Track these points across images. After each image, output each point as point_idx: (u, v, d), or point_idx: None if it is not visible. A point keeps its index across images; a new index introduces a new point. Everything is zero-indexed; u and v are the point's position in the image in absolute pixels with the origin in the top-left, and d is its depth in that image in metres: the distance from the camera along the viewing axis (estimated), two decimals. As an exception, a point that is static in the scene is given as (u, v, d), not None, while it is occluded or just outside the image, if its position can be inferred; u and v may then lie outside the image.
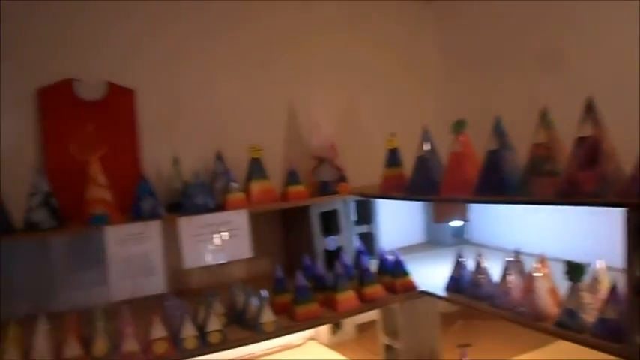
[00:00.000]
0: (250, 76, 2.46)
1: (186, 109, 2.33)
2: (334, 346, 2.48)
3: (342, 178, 2.32)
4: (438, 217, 2.74)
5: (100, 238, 1.83)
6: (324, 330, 2.51)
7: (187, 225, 1.95)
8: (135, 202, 1.94)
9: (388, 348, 2.20)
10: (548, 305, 1.61)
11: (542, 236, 2.23)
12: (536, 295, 1.62)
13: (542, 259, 1.69)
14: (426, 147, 2.02)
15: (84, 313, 1.77)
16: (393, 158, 2.20)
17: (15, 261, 2.01)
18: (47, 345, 1.55)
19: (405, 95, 2.82)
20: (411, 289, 2.09)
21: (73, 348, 1.55)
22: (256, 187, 2.14)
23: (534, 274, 1.64)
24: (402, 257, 2.12)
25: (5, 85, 2.03)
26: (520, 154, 1.70)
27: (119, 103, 2.20)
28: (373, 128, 2.64)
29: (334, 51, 2.66)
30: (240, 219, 2.02)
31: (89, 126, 2.13)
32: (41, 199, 1.83)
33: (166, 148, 2.23)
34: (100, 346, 1.61)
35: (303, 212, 2.29)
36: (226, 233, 1.99)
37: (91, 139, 2.12)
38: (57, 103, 2.10)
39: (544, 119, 1.58)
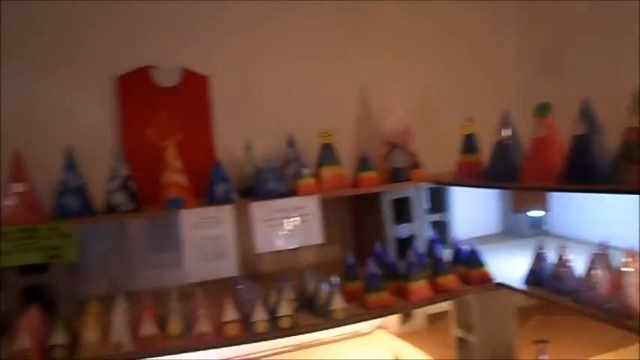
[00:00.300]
0: (322, 61, 2.43)
1: (258, 94, 2.33)
2: (404, 336, 2.44)
3: (416, 165, 2.25)
4: (517, 206, 2.62)
5: (175, 221, 1.87)
6: (393, 319, 2.47)
7: (259, 210, 1.96)
8: (208, 186, 1.96)
9: (461, 341, 2.14)
10: (638, 303, 1.50)
11: (631, 229, 2.08)
12: (625, 292, 1.51)
13: (632, 254, 1.57)
14: (506, 132, 1.92)
15: (159, 294, 1.82)
16: (470, 144, 2.11)
17: (95, 242, 2.10)
18: (124, 323, 1.60)
19: (482, 77, 2.70)
20: (486, 280, 2.01)
21: (148, 327, 1.59)
22: (328, 172, 2.12)
23: (623, 269, 1.53)
24: (478, 247, 2.04)
25: (87, 72, 2.12)
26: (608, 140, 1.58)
27: (194, 89, 2.23)
28: (448, 112, 2.55)
29: (407, 33, 2.58)
30: (311, 204, 2.00)
31: (165, 112, 2.18)
32: (120, 182, 1.89)
33: (239, 134, 2.24)
34: (175, 326, 1.65)
35: (374, 199, 2.25)
36: (298, 219, 1.98)
37: (167, 125, 2.17)
38: (135, 89, 2.16)
39: (638, 102, 1.45)
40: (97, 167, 1.98)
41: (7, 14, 2.01)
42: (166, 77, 2.19)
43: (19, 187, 1.83)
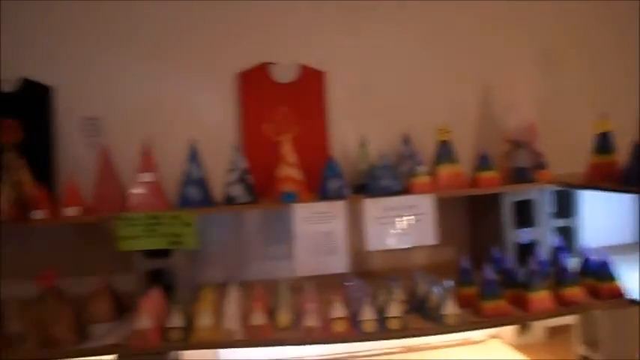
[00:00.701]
0: (441, 58, 2.35)
1: (374, 90, 2.30)
2: (520, 348, 2.28)
3: (541, 165, 2.09)
4: (658, 214, 2.36)
5: (289, 214, 1.90)
6: (509, 330, 2.32)
7: (372, 207, 1.93)
8: (322, 181, 1.97)
9: None
10: None
11: None
12: None
13: None
14: (649, 131, 1.72)
15: (270, 285, 1.85)
16: (604, 143, 1.91)
17: (214, 231, 2.19)
18: (236, 311, 1.64)
19: (619, 70, 2.46)
20: (618, 295, 1.82)
21: (259, 317, 1.62)
22: (444, 171, 2.04)
23: None
24: (609, 258, 1.85)
25: (211, 69, 2.21)
26: None
27: (311, 84, 2.25)
28: (579, 108, 2.35)
29: (533, 25, 2.42)
30: (425, 204, 1.93)
31: (282, 107, 2.22)
32: (238, 175, 1.95)
33: (354, 130, 2.23)
34: (284, 318, 1.67)
35: (493, 200, 2.12)
36: (411, 217, 1.92)
37: (283, 120, 2.21)
38: (254, 85, 2.22)
39: None
40: (217, 160, 2.05)
41: (149, 19, 2.17)
42: (284, 73, 2.23)
43: (146, 177, 1.95)
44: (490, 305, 1.71)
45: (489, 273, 1.73)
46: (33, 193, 1.96)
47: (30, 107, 2.16)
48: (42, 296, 1.78)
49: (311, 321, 1.61)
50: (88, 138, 2.18)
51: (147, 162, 1.97)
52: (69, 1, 2.14)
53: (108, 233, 1.90)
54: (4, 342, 1.65)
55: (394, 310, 1.64)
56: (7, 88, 2.15)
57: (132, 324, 1.64)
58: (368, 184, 2.01)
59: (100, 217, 1.93)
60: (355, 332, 1.62)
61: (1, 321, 1.69)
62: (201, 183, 1.96)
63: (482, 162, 2.05)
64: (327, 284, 1.78)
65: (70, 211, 1.92)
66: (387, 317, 1.63)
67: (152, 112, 2.19)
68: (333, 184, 1.97)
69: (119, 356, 1.60)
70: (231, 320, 1.61)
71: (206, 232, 2.09)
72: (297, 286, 1.80)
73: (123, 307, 1.91)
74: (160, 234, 1.88)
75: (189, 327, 1.63)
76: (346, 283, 1.82)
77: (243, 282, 1.88)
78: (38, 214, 1.89)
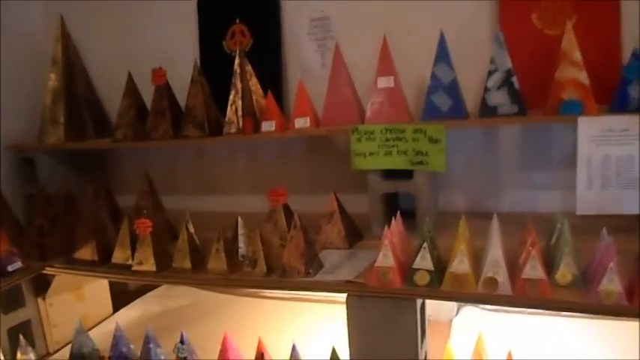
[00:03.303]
0: None
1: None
2: None
3: None
4: None
5: (567, 131, 1.45)
6: None
7: None
8: (619, 88, 1.45)
9: None
10: None
11: None
12: None
13: None
14: None
15: (537, 223, 1.40)
16: None
17: (462, 149, 1.83)
18: (502, 254, 1.25)
19: None
20: None
21: (534, 267, 1.19)
22: None
23: None
24: None
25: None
26: None
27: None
28: None
29: None
30: None
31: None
32: (501, 77, 1.53)
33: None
34: (566, 272, 1.23)
35: None
36: None
37: (560, 6, 1.70)
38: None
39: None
40: (472, 60, 1.68)
41: None
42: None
43: (385, 82, 1.67)
44: None
45: None
46: (262, 102, 1.81)
47: (258, 10, 2.02)
48: (272, 215, 1.63)
49: (610, 284, 1.14)
50: (318, 41, 1.98)
51: (385, 65, 1.66)
52: None
53: (341, 148, 1.73)
54: (233, 264, 1.53)
55: None
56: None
57: (368, 256, 1.37)
58: (690, 92, 1.42)
59: (332, 129, 1.73)
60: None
61: (233, 240, 1.58)
62: (453, 89, 1.60)
63: None
64: (619, 229, 1.29)
65: (300, 123, 1.75)
66: None
67: (389, 5, 1.84)
68: (635, 92, 1.44)
69: (350, 296, 1.35)
70: (496, 267, 1.23)
71: (453, 150, 1.72)
72: (577, 228, 1.33)
73: (356, 233, 1.68)
74: (401, 151, 1.59)
75: (437, 268, 1.30)
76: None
77: (488, 213, 1.48)
78: (267, 126, 1.76)
